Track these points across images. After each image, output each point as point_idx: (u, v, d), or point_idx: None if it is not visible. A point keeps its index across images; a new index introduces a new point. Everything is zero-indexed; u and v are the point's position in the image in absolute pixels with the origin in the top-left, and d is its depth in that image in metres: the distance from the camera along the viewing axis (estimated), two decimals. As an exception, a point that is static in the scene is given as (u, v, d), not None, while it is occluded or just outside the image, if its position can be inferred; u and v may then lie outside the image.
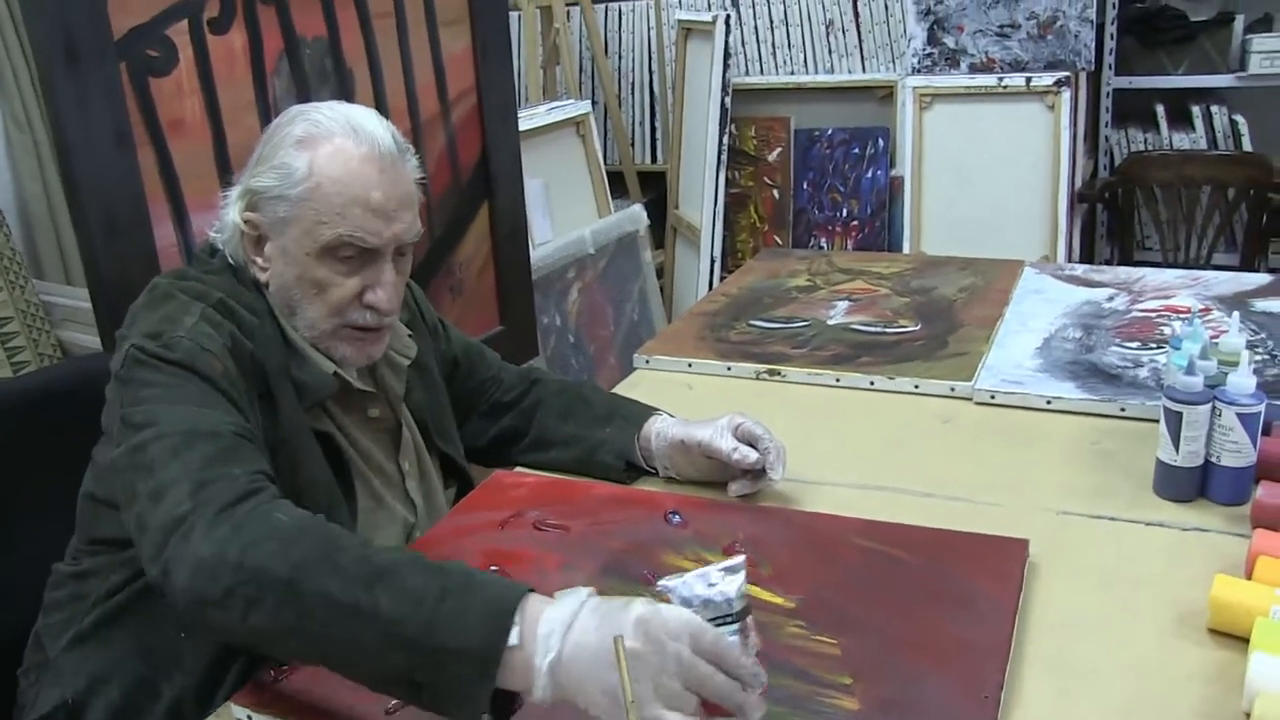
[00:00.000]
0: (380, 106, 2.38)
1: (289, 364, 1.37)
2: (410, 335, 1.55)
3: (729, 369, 2.02)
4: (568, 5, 4.09)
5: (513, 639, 0.96)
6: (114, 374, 1.29)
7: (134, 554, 1.27)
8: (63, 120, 1.73)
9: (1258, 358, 1.82)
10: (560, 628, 0.96)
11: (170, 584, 1.07)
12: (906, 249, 3.74)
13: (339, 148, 1.34)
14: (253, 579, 1.02)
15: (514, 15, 3.86)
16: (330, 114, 1.38)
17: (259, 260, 1.39)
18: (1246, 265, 3.52)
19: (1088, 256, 3.94)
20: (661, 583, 1.01)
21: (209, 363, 1.25)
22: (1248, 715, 1.01)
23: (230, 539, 1.05)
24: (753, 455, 1.49)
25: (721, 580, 1.00)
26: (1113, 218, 3.84)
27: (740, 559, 1.02)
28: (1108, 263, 3.82)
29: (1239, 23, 3.71)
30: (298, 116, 1.38)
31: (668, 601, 0.99)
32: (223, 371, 1.26)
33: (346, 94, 2.27)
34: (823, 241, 4.08)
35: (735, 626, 0.99)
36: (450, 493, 1.63)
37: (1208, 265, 3.59)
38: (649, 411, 1.63)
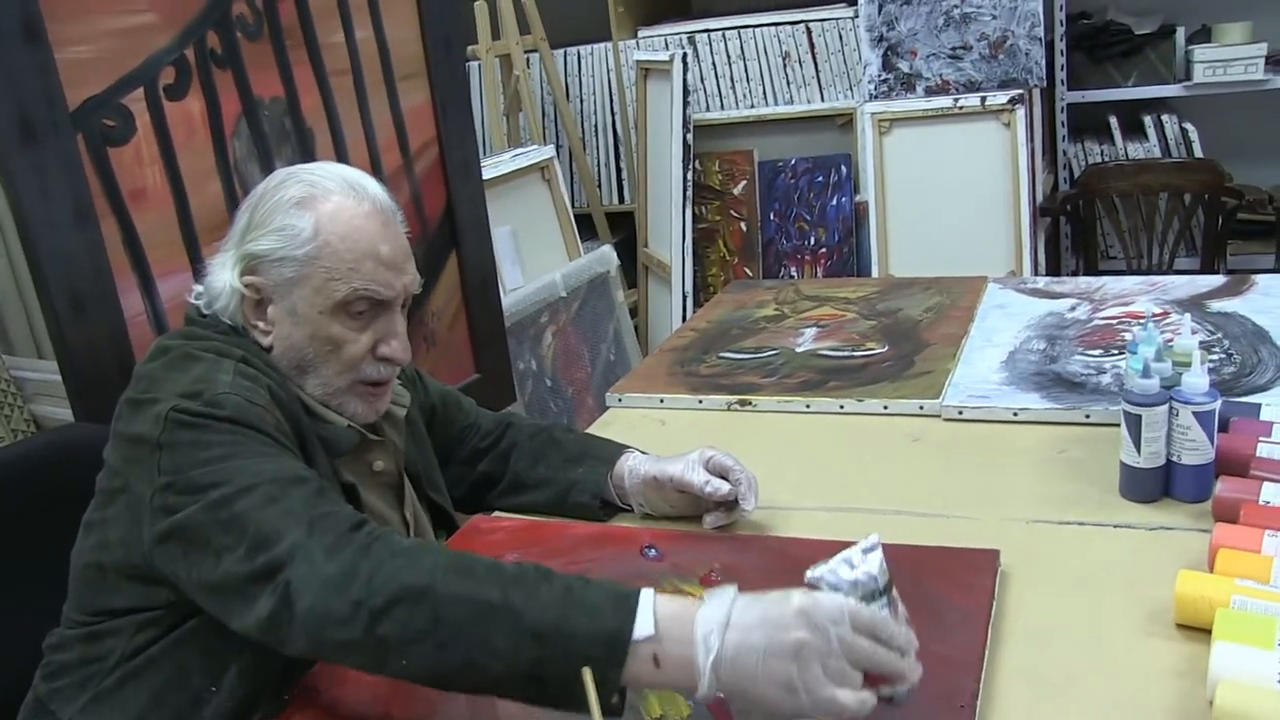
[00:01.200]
0: (341, 162, 2.39)
1: (306, 422, 1.38)
2: (401, 383, 1.55)
3: (700, 402, 2.04)
4: (526, 52, 4.13)
5: (642, 631, 1.02)
6: (136, 438, 1.26)
7: (157, 615, 1.29)
8: (21, 195, 1.73)
9: (1214, 357, 1.85)
10: (718, 627, 1.01)
11: (289, 610, 1.09)
12: (875, 273, 3.77)
13: (341, 205, 1.36)
14: (382, 590, 1.06)
15: (473, 65, 3.90)
16: (324, 173, 1.40)
17: (260, 324, 1.39)
18: (1208, 268, 3.57)
19: (1054, 269, 3.98)
20: (810, 574, 1.07)
21: (261, 416, 1.26)
22: (1212, 704, 1.03)
23: (357, 558, 1.09)
24: (724, 487, 1.50)
25: (863, 561, 1.06)
26: (1076, 229, 3.88)
27: (875, 537, 1.08)
28: (1074, 274, 3.86)
29: (1180, 34, 3.79)
30: (289, 179, 1.39)
31: (819, 590, 1.05)
32: (275, 424, 1.27)
33: (308, 152, 2.29)
34: (793, 270, 4.11)
35: (884, 600, 1.05)
36: (442, 542, 1.63)
37: (1170, 270, 3.63)
38: (620, 449, 1.64)
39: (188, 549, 1.19)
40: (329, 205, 1.36)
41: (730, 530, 1.54)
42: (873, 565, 1.06)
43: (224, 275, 1.39)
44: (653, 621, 1.02)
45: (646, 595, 1.04)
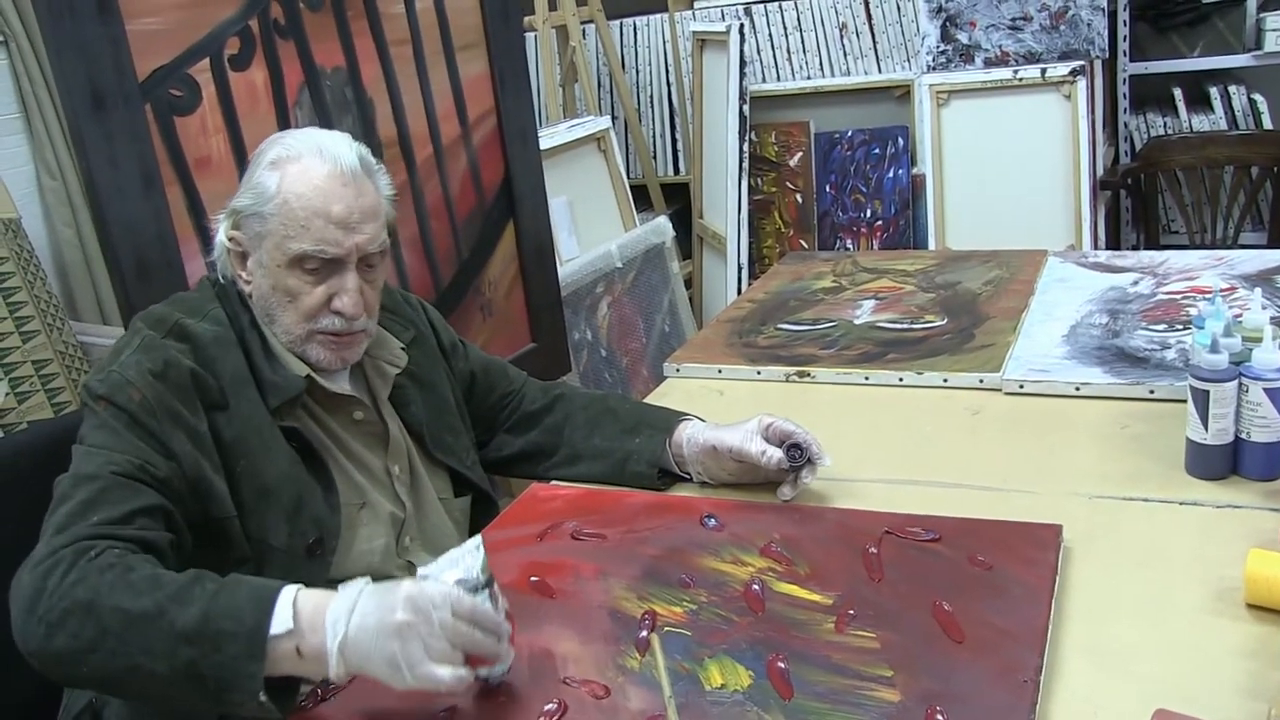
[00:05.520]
0: (401, 132, 2.41)
1: (262, 366, 1.45)
2: (403, 348, 1.62)
3: (758, 373, 2.03)
4: (583, 23, 4.12)
5: (280, 626, 1.12)
6: None
7: None
8: (92, 164, 1.77)
9: (1285, 333, 1.82)
10: (344, 614, 1.13)
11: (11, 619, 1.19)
12: (932, 246, 3.74)
13: (306, 167, 1.44)
14: (57, 605, 1.15)
15: (530, 36, 3.89)
16: (301, 137, 1.48)
17: (243, 275, 1.49)
18: (1274, 243, 3.50)
19: (1114, 243, 3.93)
20: (420, 570, 1.20)
21: (128, 394, 1.34)
22: (1285, 685, 1.02)
23: (48, 574, 1.18)
24: (778, 454, 1.51)
25: (465, 558, 1.19)
26: (1137, 203, 3.82)
27: (478, 539, 1.22)
28: (1134, 249, 3.81)
29: (1252, 2, 3.69)
30: (274, 142, 1.49)
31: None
32: (140, 400, 1.34)
33: (367, 122, 2.31)
34: (848, 243, 4.08)
35: (485, 594, 1.18)
36: (464, 501, 1.67)
37: (1235, 245, 3.57)
38: (678, 417, 1.65)
39: None
40: (295, 167, 1.44)
41: (790, 501, 1.53)
42: (475, 564, 1.18)
43: (220, 231, 1.49)
44: (291, 616, 1.13)
45: (287, 592, 1.15)
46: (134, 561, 1.20)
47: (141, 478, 1.30)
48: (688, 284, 4.11)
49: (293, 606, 1.14)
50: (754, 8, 4.13)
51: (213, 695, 1.13)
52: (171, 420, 1.35)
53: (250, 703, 1.12)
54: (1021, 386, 1.83)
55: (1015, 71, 3.57)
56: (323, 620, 1.13)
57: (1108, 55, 3.62)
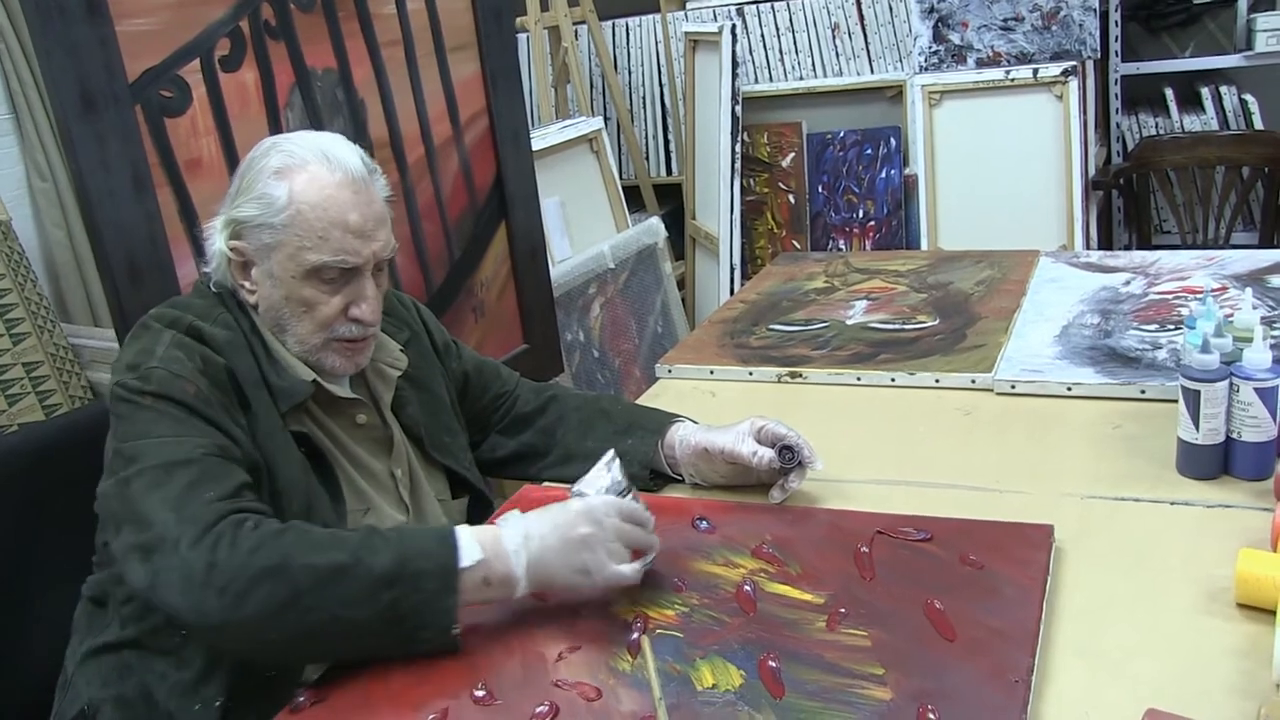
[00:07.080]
0: (392, 133, 2.41)
1: (267, 373, 1.44)
2: (402, 350, 1.61)
3: (750, 374, 2.03)
4: (575, 24, 4.12)
5: (470, 558, 1.23)
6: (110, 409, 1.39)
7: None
8: (82, 165, 1.76)
9: (1275, 333, 1.82)
10: (522, 540, 1.26)
11: (162, 599, 1.21)
12: (924, 246, 3.74)
13: (314, 175, 1.42)
14: (240, 574, 1.18)
15: (522, 37, 3.89)
16: (302, 143, 1.45)
17: (246, 284, 1.46)
18: (1266, 243, 3.51)
19: (1106, 244, 3.93)
20: (574, 489, 1.35)
21: (182, 387, 1.34)
22: (1278, 686, 1.01)
23: (214, 548, 1.20)
24: (769, 455, 1.50)
25: (606, 471, 1.35)
26: (1129, 203, 3.83)
27: (610, 452, 1.38)
28: (1126, 249, 3.81)
29: (1243, 2, 3.70)
30: (272, 149, 1.46)
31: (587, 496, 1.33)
32: (195, 393, 1.34)
33: (359, 123, 2.30)
34: (841, 243, 4.08)
35: (630, 495, 1.34)
36: (462, 503, 1.67)
37: (1226, 245, 3.58)
38: (670, 419, 1.65)
39: (105, 516, 1.36)
40: (303, 176, 1.41)
41: (782, 502, 1.53)
42: (616, 474, 1.35)
43: (217, 240, 1.47)
44: (479, 548, 1.24)
45: (463, 529, 1.26)
46: (300, 524, 1.27)
47: (228, 456, 1.32)
48: (680, 285, 4.11)
49: (476, 540, 1.24)
50: (746, 8, 4.13)
51: (408, 634, 1.21)
52: (224, 411, 1.36)
53: (442, 636, 1.22)
54: (1013, 387, 1.83)
55: (1007, 72, 3.58)
56: (503, 548, 1.25)
57: (1099, 55, 3.62)
